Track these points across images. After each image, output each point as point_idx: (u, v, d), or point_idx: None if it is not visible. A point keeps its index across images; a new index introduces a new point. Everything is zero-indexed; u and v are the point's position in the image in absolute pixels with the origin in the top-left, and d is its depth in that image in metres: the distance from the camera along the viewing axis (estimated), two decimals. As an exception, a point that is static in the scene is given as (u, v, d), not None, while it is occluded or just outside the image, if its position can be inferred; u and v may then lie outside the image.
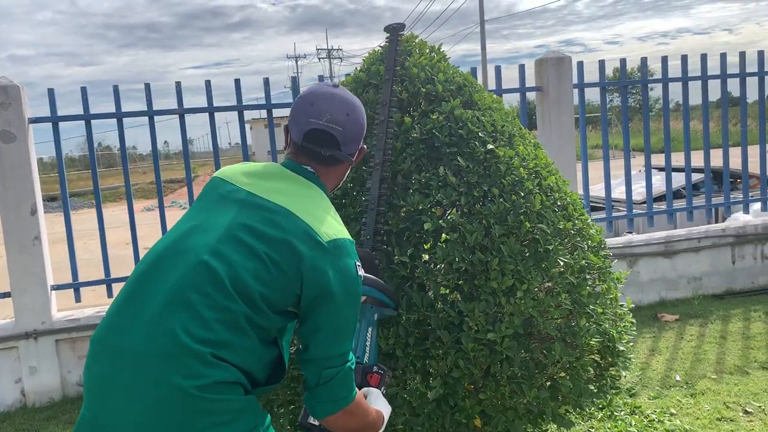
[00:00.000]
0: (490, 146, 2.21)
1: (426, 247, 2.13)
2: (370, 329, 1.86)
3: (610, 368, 2.29)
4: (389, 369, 1.89)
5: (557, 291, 2.13)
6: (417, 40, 2.53)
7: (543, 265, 2.12)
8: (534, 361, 2.09)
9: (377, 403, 1.68)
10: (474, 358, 2.01)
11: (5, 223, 3.67)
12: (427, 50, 2.50)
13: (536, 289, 2.09)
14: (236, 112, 4.19)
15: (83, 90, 3.87)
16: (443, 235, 2.12)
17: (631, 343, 2.43)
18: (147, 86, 4.02)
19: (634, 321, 2.47)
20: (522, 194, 2.17)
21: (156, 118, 4.04)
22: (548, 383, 2.12)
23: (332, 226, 1.48)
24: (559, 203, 2.29)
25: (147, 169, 28.49)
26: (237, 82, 4.18)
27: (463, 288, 2.07)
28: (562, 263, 2.13)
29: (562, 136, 4.59)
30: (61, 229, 4.06)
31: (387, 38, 2.33)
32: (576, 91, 4.72)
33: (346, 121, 1.60)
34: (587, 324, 2.16)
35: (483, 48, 28.52)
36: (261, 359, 1.42)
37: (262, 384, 1.46)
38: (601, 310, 2.22)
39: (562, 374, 2.10)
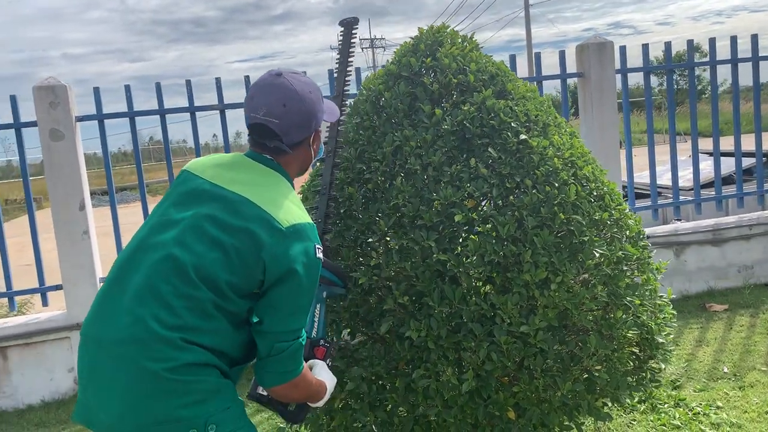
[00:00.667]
0: (522, 136, 2.18)
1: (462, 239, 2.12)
2: (318, 306, 1.93)
3: (650, 360, 2.25)
4: (335, 341, 1.99)
5: (593, 283, 2.10)
6: (449, 30, 2.51)
7: (579, 257, 2.09)
8: (569, 353, 2.06)
9: (321, 374, 1.76)
10: (507, 351, 2.00)
11: (55, 218, 3.81)
12: (459, 40, 2.48)
13: (571, 282, 2.06)
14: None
15: (127, 88, 3.97)
16: (476, 227, 2.11)
17: (672, 335, 2.38)
18: (188, 83, 4.09)
19: (674, 312, 2.41)
20: (556, 185, 2.13)
21: (202, 112, 4.12)
22: (584, 376, 2.09)
23: (291, 212, 1.55)
24: (595, 193, 2.25)
25: (195, 162, 28.96)
26: None
27: (496, 280, 2.05)
28: (597, 255, 2.09)
29: (604, 122, 4.49)
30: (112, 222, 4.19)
31: (341, 32, 2.31)
32: (619, 76, 4.60)
33: (283, 112, 1.63)
34: (624, 316, 2.12)
35: (528, 33, 28.06)
36: (234, 340, 1.53)
37: (240, 362, 1.59)
38: (639, 302, 2.17)
39: (598, 367, 2.08)
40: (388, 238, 2.15)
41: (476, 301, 2.03)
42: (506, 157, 2.15)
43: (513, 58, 4.44)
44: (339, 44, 2.30)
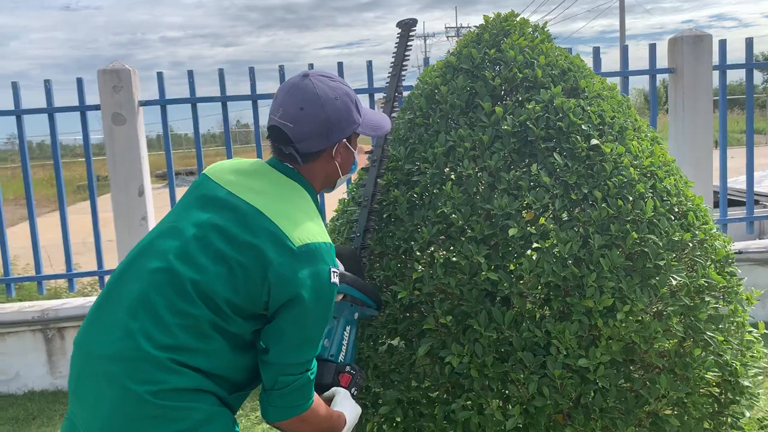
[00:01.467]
0: (594, 141, 1.91)
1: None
2: (348, 328, 1.78)
3: (731, 405, 1.94)
4: (362, 369, 1.80)
5: (667, 314, 1.81)
6: (518, 19, 2.25)
7: (652, 284, 1.81)
8: (634, 393, 1.79)
9: (343, 404, 1.62)
10: (561, 386, 1.75)
11: (115, 203, 3.81)
12: (530, 30, 2.22)
13: (641, 311, 1.79)
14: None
15: (190, 74, 3.91)
16: (534, 243, 1.86)
17: (761, 377, 2.05)
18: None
19: (765, 350, 2.09)
20: (630, 199, 1.86)
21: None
22: (650, 420, 1.82)
23: (307, 230, 1.40)
24: (676, 210, 1.95)
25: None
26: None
27: (553, 306, 1.81)
28: (674, 282, 1.80)
29: (696, 123, 4.08)
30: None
31: (398, 35, 2.12)
32: (716, 73, 4.16)
33: (299, 116, 1.48)
34: (703, 354, 1.83)
35: (622, 24, 26.81)
36: (233, 363, 1.40)
37: (243, 387, 1.46)
38: (722, 338, 1.87)
39: (668, 411, 1.80)
40: (432, 249, 1.94)
41: (529, 328, 1.79)
42: (574, 164, 1.89)
43: (597, 51, 4.09)
44: (395, 46, 2.13)
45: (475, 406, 1.80)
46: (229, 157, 4.04)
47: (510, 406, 1.78)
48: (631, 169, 1.89)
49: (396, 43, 2.14)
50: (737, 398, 1.92)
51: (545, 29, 2.25)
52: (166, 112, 3.92)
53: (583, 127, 1.93)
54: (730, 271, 2.04)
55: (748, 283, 4.10)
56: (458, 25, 61.26)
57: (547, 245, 1.81)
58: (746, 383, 1.92)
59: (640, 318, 1.79)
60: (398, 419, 1.93)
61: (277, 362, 1.40)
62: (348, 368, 1.73)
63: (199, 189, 1.52)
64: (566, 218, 1.87)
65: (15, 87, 3.76)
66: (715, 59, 4.17)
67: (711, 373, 1.82)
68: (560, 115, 1.95)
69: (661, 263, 1.80)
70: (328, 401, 1.63)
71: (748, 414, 1.92)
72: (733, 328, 2.02)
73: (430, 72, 2.26)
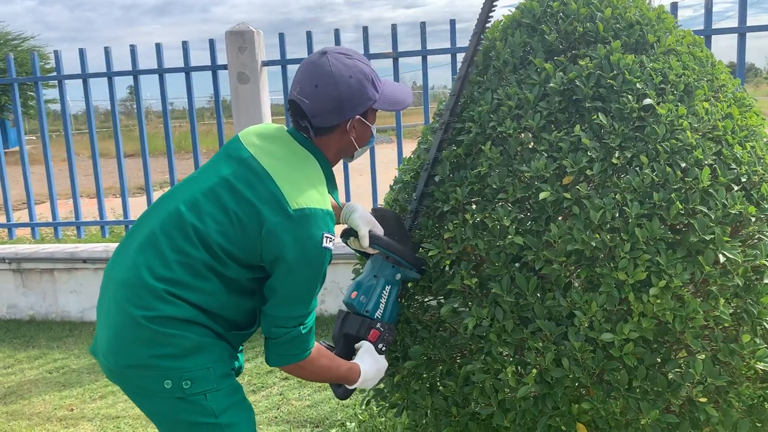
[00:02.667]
0: (648, 101, 1.75)
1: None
2: (388, 287, 1.85)
3: (795, 405, 1.72)
4: (394, 328, 1.88)
5: (714, 294, 1.64)
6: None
7: (699, 259, 1.64)
8: (665, 375, 1.65)
9: (363, 357, 1.76)
10: (582, 360, 1.67)
11: (238, 155, 4.12)
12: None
13: (680, 288, 1.63)
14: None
15: (308, 35, 4.07)
16: (570, 209, 1.76)
17: None
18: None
19: None
20: (683, 165, 1.69)
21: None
22: (683, 407, 1.67)
23: (307, 195, 1.49)
24: (745, 179, 1.73)
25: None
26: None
27: (581, 275, 1.71)
28: (723, 259, 1.62)
29: None
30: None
31: None
32: None
33: (313, 93, 1.56)
34: (755, 342, 1.63)
35: None
36: (229, 304, 1.51)
37: (243, 328, 1.59)
38: (786, 328, 1.65)
39: (703, 399, 1.64)
40: (467, 210, 1.91)
41: (555, 296, 1.72)
42: (620, 125, 1.74)
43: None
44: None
45: (492, 370, 1.78)
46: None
47: (525, 375, 1.73)
48: (688, 132, 1.71)
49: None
50: (801, 396, 1.69)
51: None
52: (286, 71, 4.13)
53: (638, 85, 1.77)
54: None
55: None
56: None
57: (578, 212, 1.71)
58: (814, 380, 1.68)
59: (678, 295, 1.64)
60: (424, 375, 1.95)
61: (270, 314, 1.52)
62: (378, 325, 1.82)
63: (228, 148, 1.66)
64: (607, 184, 1.74)
65: (158, 48, 4.17)
66: None
67: (763, 364, 1.62)
68: (614, 72, 1.80)
69: (709, 237, 1.62)
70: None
71: (810, 415, 1.69)
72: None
73: (495, 27, 2.18)
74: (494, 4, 2.02)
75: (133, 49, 4.31)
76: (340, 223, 1.90)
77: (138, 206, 4.67)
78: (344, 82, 1.57)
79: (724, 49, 3.64)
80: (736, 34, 3.70)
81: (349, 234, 1.84)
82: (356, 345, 1.83)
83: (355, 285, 1.87)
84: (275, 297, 1.51)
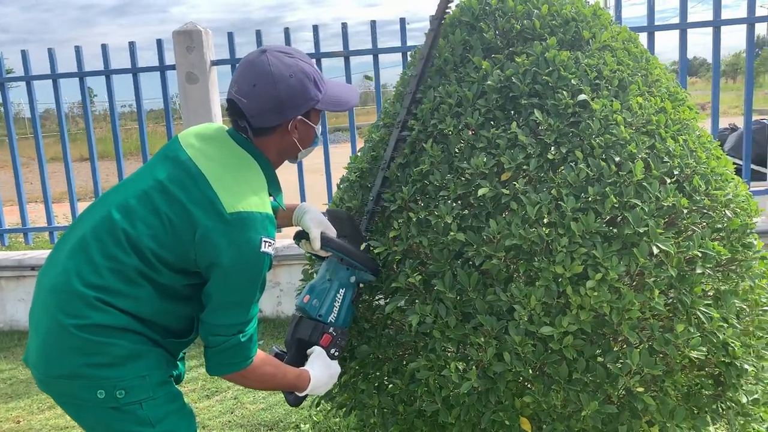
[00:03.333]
0: (582, 97, 1.77)
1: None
2: (342, 291, 1.81)
3: (728, 391, 1.76)
4: (347, 332, 1.85)
5: (649, 285, 1.67)
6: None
7: (635, 252, 1.67)
8: (603, 367, 1.68)
9: (313, 362, 1.72)
10: (523, 354, 1.68)
11: (189, 157, 4.06)
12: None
13: (617, 281, 1.66)
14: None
15: (257, 33, 4.03)
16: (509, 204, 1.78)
17: (775, 362, 1.84)
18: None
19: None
20: (616, 159, 1.72)
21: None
22: (620, 396, 1.70)
23: (244, 199, 1.45)
24: (677, 172, 1.77)
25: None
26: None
27: (520, 269, 1.73)
28: (656, 251, 1.65)
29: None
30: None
31: None
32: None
33: (251, 92, 1.51)
34: (691, 330, 1.67)
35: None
36: (163, 310, 1.47)
37: (180, 336, 1.55)
38: (718, 315, 1.70)
39: (640, 388, 1.67)
40: (411, 208, 1.91)
41: (495, 291, 1.73)
42: (556, 121, 1.77)
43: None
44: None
45: (435, 366, 1.78)
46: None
47: (467, 371, 1.74)
48: (622, 127, 1.74)
49: None
50: (734, 383, 1.74)
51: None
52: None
53: (572, 81, 1.79)
54: (746, 243, 1.83)
55: None
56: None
57: (516, 207, 1.72)
58: (747, 366, 1.73)
59: (614, 287, 1.66)
60: (371, 374, 1.95)
61: (208, 321, 1.49)
62: (331, 329, 1.78)
63: (165, 150, 1.61)
64: (543, 179, 1.76)
65: (104, 49, 4.09)
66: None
67: (697, 352, 1.66)
68: (550, 68, 1.82)
69: (643, 230, 1.66)
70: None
71: (744, 399, 1.74)
72: (745, 306, 1.82)
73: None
74: (450, 2, 2.01)
75: (78, 51, 4.21)
76: (292, 226, 1.87)
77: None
78: (284, 81, 1.53)
79: (689, 45, 3.73)
80: (678, 30, 3.79)
81: (301, 236, 1.81)
82: (308, 350, 1.80)
83: (308, 289, 1.84)
84: (212, 304, 1.47)
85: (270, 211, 1.50)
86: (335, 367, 1.78)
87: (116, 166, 4.34)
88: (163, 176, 1.50)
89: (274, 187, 1.62)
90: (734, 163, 5.21)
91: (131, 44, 4.12)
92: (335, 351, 1.79)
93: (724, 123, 9.77)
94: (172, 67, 4.03)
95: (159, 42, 4.06)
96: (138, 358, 1.43)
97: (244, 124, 1.56)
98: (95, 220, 1.48)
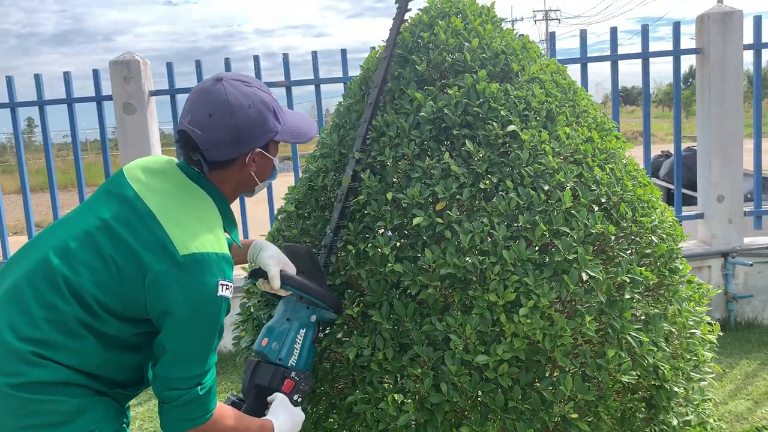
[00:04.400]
0: (512, 128, 1.81)
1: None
2: (302, 331, 1.69)
3: (660, 414, 1.80)
4: (310, 376, 1.73)
5: (580, 312, 1.70)
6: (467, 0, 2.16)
7: (565, 279, 1.70)
8: (539, 395, 1.69)
9: (276, 411, 1.59)
10: (459, 384, 1.68)
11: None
12: (475, 11, 2.12)
13: (549, 308, 1.68)
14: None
15: (198, 63, 4.00)
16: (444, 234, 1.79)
17: (704, 382, 1.90)
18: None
19: (712, 354, 1.93)
20: (545, 188, 1.75)
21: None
22: (557, 424, 1.72)
23: (198, 238, 1.34)
24: (604, 200, 1.82)
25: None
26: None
27: (455, 298, 1.74)
28: (586, 277, 1.69)
29: (724, 108, 3.78)
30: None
31: (397, 9, 2.01)
32: (750, 53, 3.84)
33: (207, 123, 1.42)
34: (622, 355, 1.70)
35: None
36: (112, 364, 1.35)
37: (128, 386, 1.42)
38: (647, 339, 1.73)
39: (574, 415, 1.69)
40: (348, 241, 1.90)
41: (430, 321, 1.73)
42: (487, 152, 1.80)
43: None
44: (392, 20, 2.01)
45: (372, 399, 1.76)
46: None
47: (405, 403, 1.73)
48: (550, 157, 1.78)
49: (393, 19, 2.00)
50: (665, 405, 1.78)
51: (491, 10, 2.15)
52: (175, 101, 4.04)
53: (502, 112, 1.83)
54: (672, 268, 1.89)
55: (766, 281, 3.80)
56: (546, 9, 59.39)
57: (450, 237, 1.74)
58: (676, 389, 1.77)
59: (546, 315, 1.69)
60: (309, 410, 1.91)
61: (162, 375, 1.36)
62: (293, 374, 1.66)
63: (109, 184, 1.48)
64: (475, 209, 1.78)
65: (37, 79, 3.98)
66: (751, 39, 3.85)
67: (628, 377, 1.69)
68: (481, 100, 1.86)
69: (572, 257, 1.69)
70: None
71: (675, 422, 1.78)
72: (674, 329, 1.87)
73: (372, 57, 2.21)
74: (401, 30, 2.01)
75: (9, 81, 4.08)
76: (246, 263, 1.77)
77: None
78: (242, 111, 1.44)
79: (625, 75, 3.91)
80: (609, 62, 3.94)
81: (258, 274, 1.69)
82: (269, 398, 1.65)
83: (266, 331, 1.71)
84: (166, 356, 1.34)
85: (227, 251, 1.40)
86: (299, 414, 1.65)
87: (50, 199, 4.20)
88: (108, 215, 1.37)
89: (228, 222, 1.52)
90: (669, 189, 5.35)
91: (66, 74, 4.03)
92: (298, 397, 1.67)
93: (661, 149, 10.14)
94: (109, 98, 3.95)
95: (95, 72, 3.98)
96: (85, 412, 1.30)
97: (197, 158, 1.45)
98: (30, 264, 1.34)
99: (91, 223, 1.37)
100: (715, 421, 2.60)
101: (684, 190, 5.28)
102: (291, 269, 1.69)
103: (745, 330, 3.87)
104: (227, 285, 1.36)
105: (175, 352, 1.35)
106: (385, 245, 1.78)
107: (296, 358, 1.69)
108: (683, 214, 4.06)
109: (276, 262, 1.66)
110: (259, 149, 1.50)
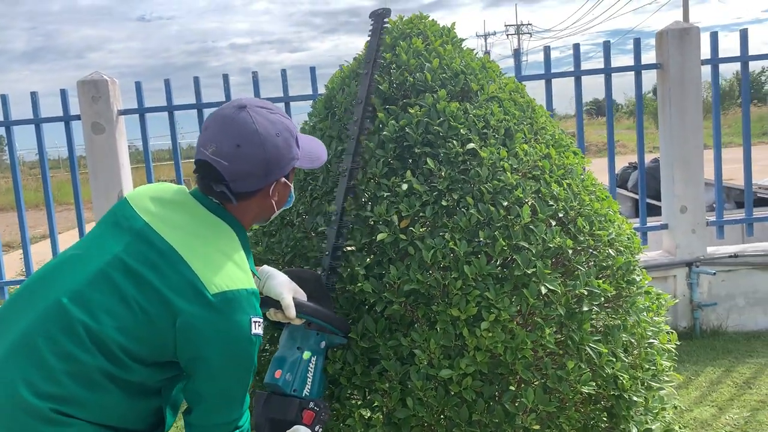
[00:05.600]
0: (471, 145, 1.86)
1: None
2: (314, 359, 1.64)
3: (622, 423, 1.84)
4: (327, 404, 1.67)
5: (540, 325, 1.74)
6: (427, 20, 2.21)
7: (525, 292, 1.74)
8: (502, 407, 1.73)
9: None
10: (425, 398, 1.71)
11: (96, 209, 3.95)
12: (435, 32, 2.17)
13: (510, 321, 1.72)
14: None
15: (167, 82, 4.01)
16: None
17: (663, 391, 1.95)
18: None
19: (671, 363, 1.98)
20: (504, 204, 1.80)
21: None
22: (519, 436, 1.75)
23: (227, 275, 1.27)
24: (561, 215, 1.87)
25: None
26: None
27: (418, 314, 1.77)
28: (544, 290, 1.73)
29: (684, 121, 3.89)
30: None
31: (370, 25, 2.06)
32: (708, 68, 3.96)
33: (235, 154, 1.33)
34: (579, 367, 1.75)
35: (685, 13, 25.62)
36: (135, 413, 1.28)
37: (146, 430, 1.33)
38: (606, 350, 1.78)
39: (536, 426, 1.72)
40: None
41: (397, 336, 1.76)
42: (447, 169, 1.84)
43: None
44: (368, 36, 2.05)
45: (339, 416, 1.78)
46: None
47: (372, 417, 1.75)
48: (508, 173, 1.83)
49: (369, 34, 2.04)
50: (625, 414, 1.82)
51: (452, 30, 2.21)
52: (145, 120, 4.04)
53: (462, 131, 1.88)
54: (630, 280, 1.94)
55: (745, 288, 3.91)
56: (518, 23, 60.28)
57: (413, 253, 1.77)
58: (635, 398, 1.82)
59: (508, 328, 1.72)
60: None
61: (200, 424, 1.31)
62: (312, 404, 1.60)
63: (115, 215, 1.38)
64: (437, 225, 1.82)
65: (4, 99, 3.96)
66: (708, 54, 3.97)
67: (587, 388, 1.73)
68: (441, 119, 1.90)
69: (531, 271, 1.73)
70: None
71: (635, 430, 1.82)
72: (633, 340, 1.92)
73: (336, 77, 2.25)
74: (380, 45, 2.03)
75: (-25, 101, 4.05)
76: None
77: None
78: (271, 141, 1.37)
79: (599, 87, 4.00)
80: (573, 78, 4.03)
81: (269, 304, 1.61)
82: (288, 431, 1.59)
83: (277, 362, 1.64)
84: (204, 404, 1.28)
85: (254, 285, 1.34)
86: None
87: (18, 218, 4.16)
88: (121, 251, 1.27)
89: (247, 253, 1.43)
90: (636, 200, 5.44)
91: (33, 94, 4.01)
92: (319, 428, 1.60)
93: (629, 161, 10.33)
94: (78, 117, 3.93)
95: (63, 92, 3.97)
96: None
97: (220, 189, 1.36)
98: (39, 311, 1.22)
99: (104, 261, 1.27)
100: (680, 428, 2.67)
101: (651, 201, 5.40)
102: (302, 296, 1.63)
103: (711, 338, 3.95)
104: (259, 321, 1.30)
105: (213, 399, 1.29)
106: (358, 265, 1.80)
107: (310, 387, 1.64)
108: (648, 225, 4.15)
109: (288, 290, 1.58)
110: (283, 178, 1.45)
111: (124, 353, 1.22)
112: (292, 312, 1.55)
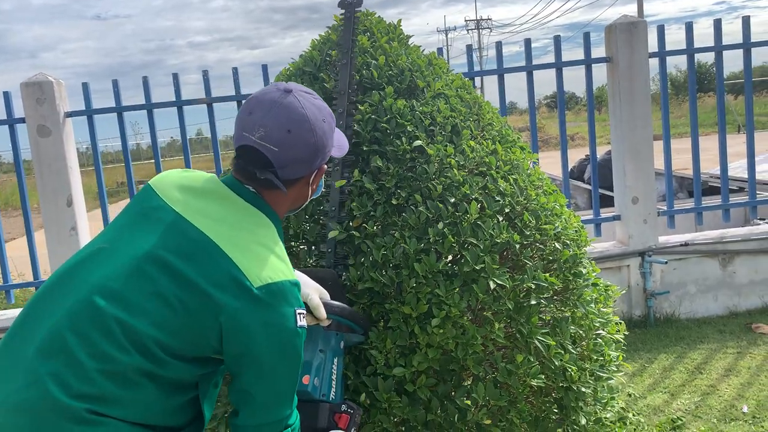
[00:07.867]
0: (418, 143, 1.86)
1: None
2: (336, 360, 1.58)
3: (572, 415, 1.87)
4: (358, 405, 1.63)
5: (489, 320, 1.75)
6: (374, 17, 2.20)
7: (474, 288, 1.75)
8: (454, 404, 1.74)
9: None
10: (386, 406, 1.70)
11: (44, 214, 3.84)
12: (382, 30, 2.16)
13: (460, 317, 1.73)
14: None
15: (114, 83, 3.92)
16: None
17: (612, 381, 1.98)
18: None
19: (619, 353, 2.02)
20: (452, 200, 1.80)
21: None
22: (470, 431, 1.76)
23: (270, 266, 1.22)
24: (507, 210, 1.88)
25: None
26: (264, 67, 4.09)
27: (372, 313, 1.76)
28: (494, 285, 1.74)
29: (634, 113, 3.96)
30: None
31: (342, 14, 2.04)
32: (655, 60, 4.04)
33: (285, 139, 1.28)
34: (528, 360, 1.76)
35: (640, 7, 26.03)
36: (170, 409, 1.22)
37: (182, 428, 1.27)
38: (554, 343, 1.80)
39: (488, 421, 1.73)
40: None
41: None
42: (395, 167, 1.84)
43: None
44: (340, 28, 2.01)
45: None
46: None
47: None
48: (455, 170, 1.84)
49: (341, 26, 2.01)
50: (576, 405, 1.85)
51: (398, 28, 2.20)
52: (93, 121, 3.94)
53: (408, 128, 1.88)
54: (576, 273, 1.97)
55: (696, 276, 4.01)
56: (478, 18, 60.66)
57: (367, 249, 1.77)
58: (583, 389, 1.85)
59: (458, 324, 1.73)
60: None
61: (250, 425, 1.25)
62: (344, 407, 1.55)
63: (140, 204, 1.31)
64: (388, 224, 1.82)
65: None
66: (655, 47, 4.05)
67: (537, 381, 1.75)
68: (388, 116, 1.90)
69: (480, 267, 1.74)
70: None
71: (584, 421, 1.85)
72: (581, 331, 1.95)
73: (282, 74, 2.22)
74: (355, 28, 2.01)
75: None
76: None
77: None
78: (319, 126, 1.32)
79: (548, 82, 4.03)
80: (524, 72, 4.07)
81: None
82: None
83: (304, 367, 1.54)
84: (254, 404, 1.23)
85: (295, 276, 1.28)
86: None
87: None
88: (154, 243, 1.21)
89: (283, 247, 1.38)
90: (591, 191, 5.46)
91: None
92: (354, 430, 1.55)
93: (585, 153, 10.49)
94: (23, 120, 3.82)
95: (6, 94, 3.84)
96: None
97: (266, 176, 1.29)
98: (69, 308, 1.16)
99: (136, 255, 1.20)
100: (633, 415, 2.73)
101: (606, 192, 5.49)
102: (325, 296, 1.56)
103: (664, 325, 4.04)
104: (303, 313, 1.26)
105: (262, 397, 1.24)
106: (310, 260, 1.79)
107: (335, 390, 1.58)
108: (601, 216, 4.22)
109: (315, 291, 1.51)
110: (325, 165, 1.42)
111: (160, 349, 1.17)
112: (322, 312, 1.49)
